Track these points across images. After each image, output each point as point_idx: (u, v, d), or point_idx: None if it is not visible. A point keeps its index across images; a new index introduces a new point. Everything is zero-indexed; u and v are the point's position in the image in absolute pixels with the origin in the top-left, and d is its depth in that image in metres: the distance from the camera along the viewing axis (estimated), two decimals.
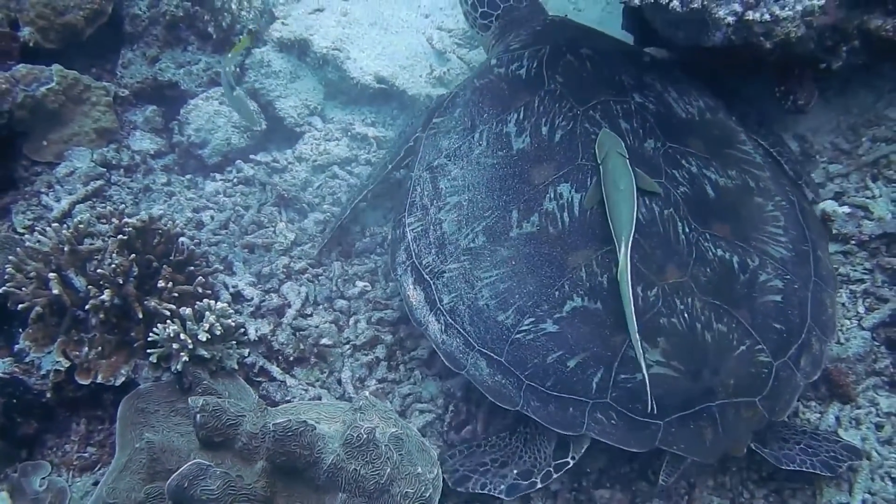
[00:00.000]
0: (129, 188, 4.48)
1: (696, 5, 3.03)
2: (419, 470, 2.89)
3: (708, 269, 3.22)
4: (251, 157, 4.71)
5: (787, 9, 2.96)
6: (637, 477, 3.34)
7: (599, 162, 3.33)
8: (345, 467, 2.79)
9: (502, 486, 3.15)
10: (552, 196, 3.37)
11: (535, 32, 4.15)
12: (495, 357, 3.21)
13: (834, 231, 3.85)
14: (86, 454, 3.50)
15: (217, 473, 2.68)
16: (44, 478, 3.41)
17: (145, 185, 4.54)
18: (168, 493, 2.66)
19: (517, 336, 3.18)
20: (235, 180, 4.62)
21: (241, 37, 4.85)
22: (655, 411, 2.96)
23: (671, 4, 3.04)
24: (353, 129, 4.93)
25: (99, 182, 4.40)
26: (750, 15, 2.99)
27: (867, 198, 3.92)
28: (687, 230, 3.28)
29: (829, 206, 3.92)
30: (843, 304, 3.72)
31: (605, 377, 3.05)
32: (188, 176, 4.72)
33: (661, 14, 3.63)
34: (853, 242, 3.83)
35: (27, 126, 4.36)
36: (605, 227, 3.19)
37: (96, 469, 3.47)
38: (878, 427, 3.38)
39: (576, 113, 3.57)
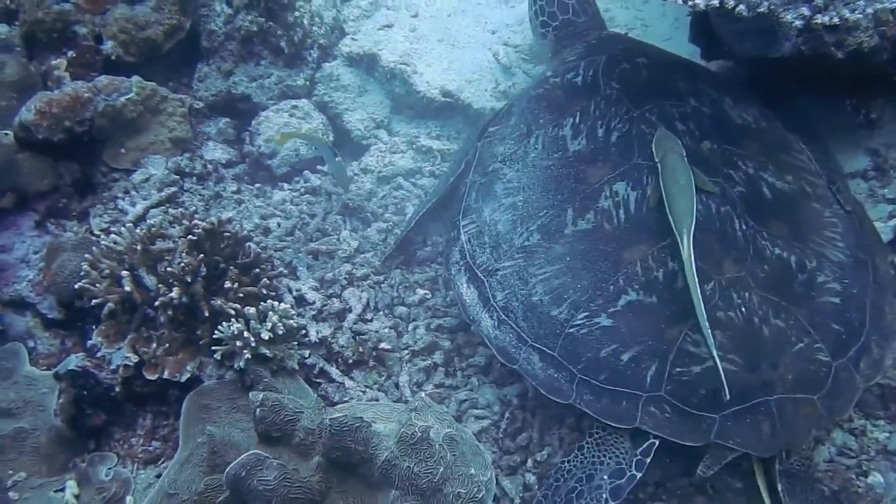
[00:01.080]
0: (200, 195, 4.60)
1: (762, 9, 2.98)
2: (472, 471, 2.89)
3: (765, 266, 3.19)
4: (318, 167, 4.80)
5: (857, 12, 2.90)
6: (695, 491, 3.28)
7: (657, 160, 3.33)
8: (398, 464, 2.81)
9: (605, 495, 3.08)
10: (608, 194, 3.39)
11: (590, 45, 4.23)
12: (548, 351, 3.23)
13: None
14: (150, 448, 3.58)
15: (274, 465, 2.72)
16: (110, 468, 3.50)
17: (216, 192, 4.66)
18: (226, 481, 2.71)
19: (571, 330, 3.19)
20: (302, 190, 4.71)
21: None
22: (728, 398, 2.90)
23: (737, 9, 3.00)
24: (418, 142, 5.00)
25: (173, 189, 4.53)
26: (819, 18, 2.93)
27: None
28: (744, 227, 3.26)
29: None
30: None
31: (659, 370, 3.04)
32: (257, 185, 4.83)
33: (727, 23, 3.61)
34: None
35: (107, 134, 4.52)
36: (662, 223, 3.18)
37: (160, 462, 3.54)
38: None
39: (632, 115, 3.58)
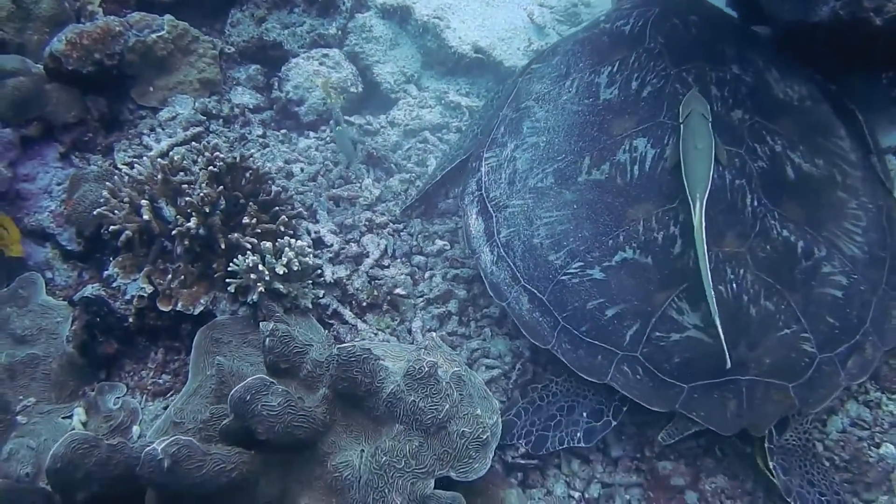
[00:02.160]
0: (225, 137, 4.58)
1: None
2: (479, 412, 2.84)
3: (768, 246, 3.11)
4: (346, 118, 4.75)
5: None
6: (703, 453, 3.23)
7: (681, 121, 3.27)
8: (404, 398, 2.77)
9: (578, 434, 3.12)
10: (627, 148, 3.35)
11: None
12: (538, 294, 3.24)
13: None
14: (160, 381, 3.59)
15: (279, 391, 2.68)
16: (118, 398, 3.51)
17: (241, 134, 4.65)
18: (230, 404, 2.67)
19: (563, 277, 3.19)
20: (328, 139, 4.68)
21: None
22: (730, 367, 2.86)
23: None
24: (446, 98, 4.96)
25: (198, 129, 4.53)
26: None
27: None
28: (755, 203, 3.17)
29: None
30: None
31: (639, 332, 3.01)
32: (283, 131, 4.80)
33: None
34: None
35: (136, 70, 4.52)
36: (672, 185, 3.16)
37: (169, 395, 3.55)
38: None
39: (668, 72, 3.52)
